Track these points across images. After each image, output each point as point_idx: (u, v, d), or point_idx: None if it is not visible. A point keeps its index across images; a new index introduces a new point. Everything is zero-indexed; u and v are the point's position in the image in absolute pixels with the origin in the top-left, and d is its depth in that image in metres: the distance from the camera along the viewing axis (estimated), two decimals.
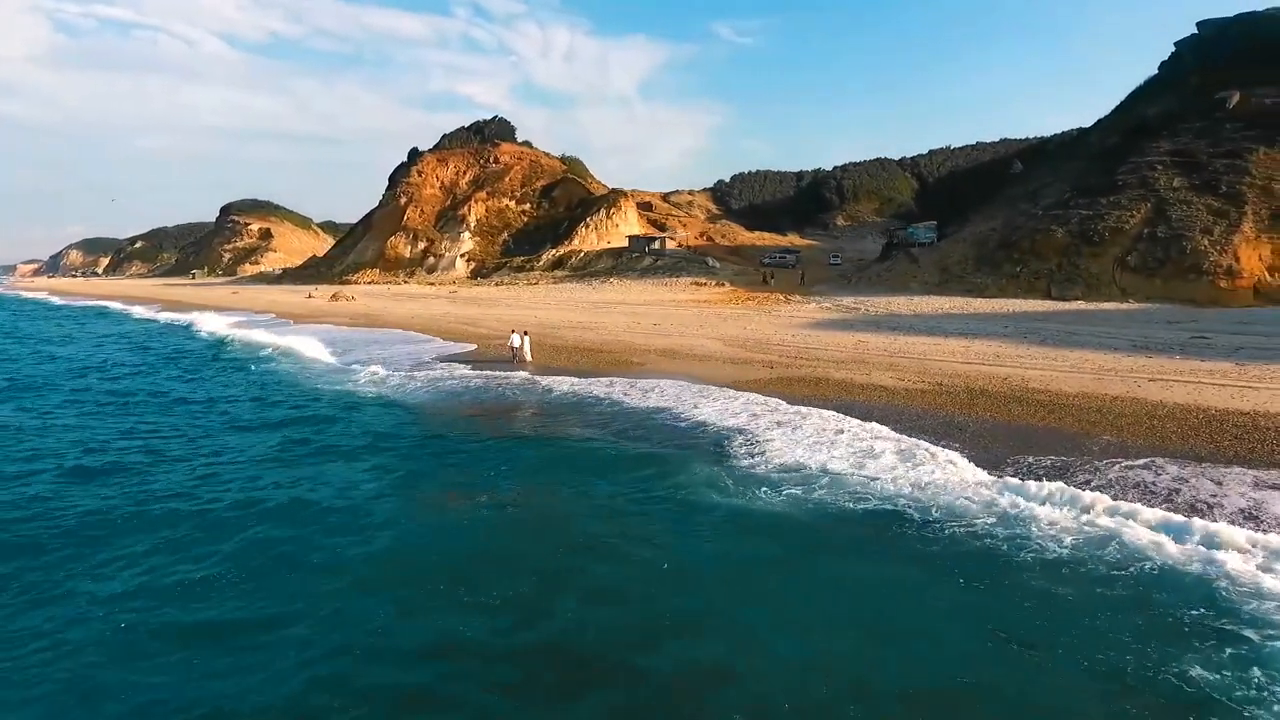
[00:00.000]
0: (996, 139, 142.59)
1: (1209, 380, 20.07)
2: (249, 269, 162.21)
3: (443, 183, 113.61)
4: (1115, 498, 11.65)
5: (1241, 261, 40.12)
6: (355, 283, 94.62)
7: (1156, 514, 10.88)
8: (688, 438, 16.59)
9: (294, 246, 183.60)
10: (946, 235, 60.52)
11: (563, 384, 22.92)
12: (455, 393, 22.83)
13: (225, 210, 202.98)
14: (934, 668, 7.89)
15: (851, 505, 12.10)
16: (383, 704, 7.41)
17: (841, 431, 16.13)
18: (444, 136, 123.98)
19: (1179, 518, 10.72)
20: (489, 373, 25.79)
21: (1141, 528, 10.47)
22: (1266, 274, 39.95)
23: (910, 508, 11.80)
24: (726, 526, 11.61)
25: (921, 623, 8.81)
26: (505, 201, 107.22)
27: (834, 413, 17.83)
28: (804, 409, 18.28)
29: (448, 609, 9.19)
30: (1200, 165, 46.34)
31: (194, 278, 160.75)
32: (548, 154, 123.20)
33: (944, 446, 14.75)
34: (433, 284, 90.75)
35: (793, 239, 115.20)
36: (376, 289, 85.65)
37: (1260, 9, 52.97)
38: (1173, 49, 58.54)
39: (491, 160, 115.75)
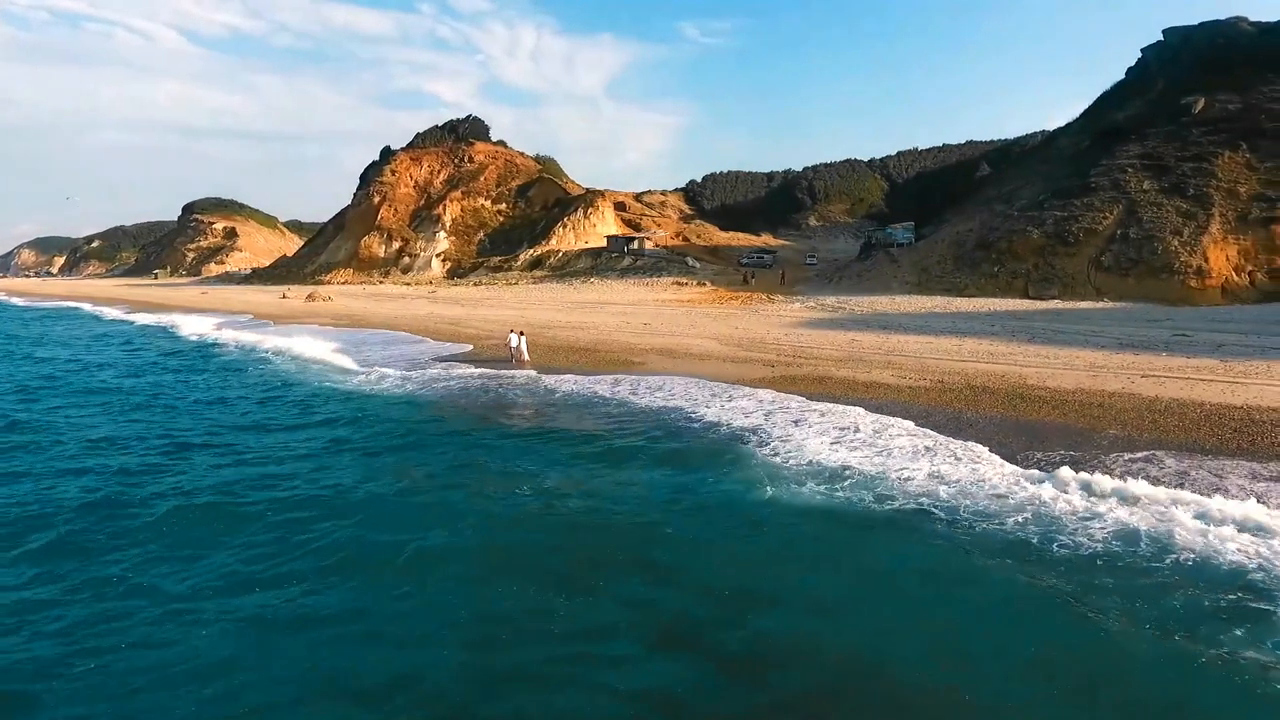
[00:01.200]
0: (962, 141, 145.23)
1: (1198, 376, 20.79)
2: (214, 269, 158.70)
3: (417, 182, 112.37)
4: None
5: (1210, 262, 41.55)
6: (329, 283, 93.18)
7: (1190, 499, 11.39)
8: (709, 434, 16.77)
9: (260, 246, 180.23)
10: (924, 236, 61.59)
11: (569, 383, 23.02)
12: (469, 391, 22.83)
13: (188, 209, 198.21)
14: (991, 646, 8.14)
15: (888, 498, 12.35)
16: (476, 685, 7.67)
17: (859, 429, 16.41)
18: (417, 135, 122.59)
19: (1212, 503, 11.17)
20: (491, 371, 25.90)
21: (1182, 514, 10.89)
22: (1233, 274, 41.44)
23: (946, 500, 12.07)
24: (770, 519, 11.83)
25: (975, 608, 9.08)
26: (481, 201, 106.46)
27: (848, 408, 18.19)
28: (819, 404, 18.62)
29: (521, 593, 9.54)
30: (1169, 168, 47.86)
31: (156, 278, 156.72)
32: (522, 153, 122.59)
33: (964, 440, 15.14)
34: (409, 284, 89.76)
35: (767, 239, 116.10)
36: (352, 289, 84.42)
37: (1222, 18, 54.87)
38: (1140, 55, 60.35)
39: (466, 159, 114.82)
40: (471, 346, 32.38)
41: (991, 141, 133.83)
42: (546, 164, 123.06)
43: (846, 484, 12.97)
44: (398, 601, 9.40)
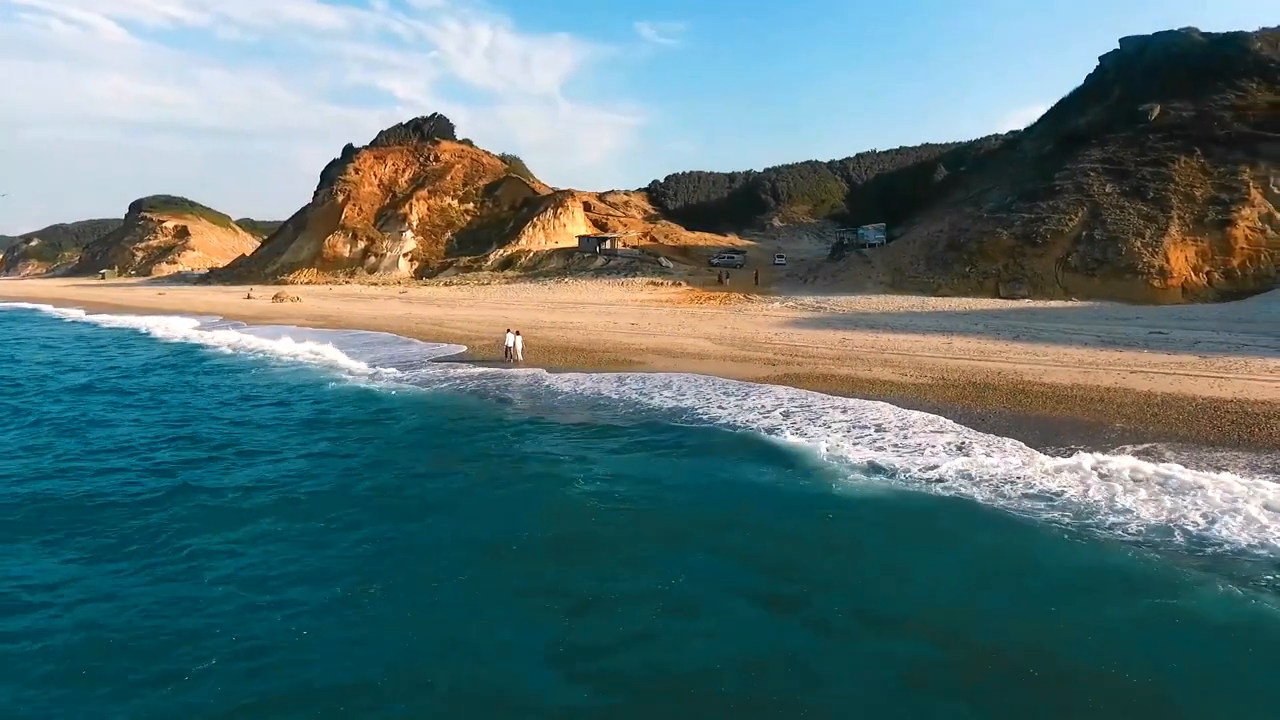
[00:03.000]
0: (919, 143, 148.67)
1: (1183, 371, 21.81)
2: (165, 269, 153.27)
3: (381, 180, 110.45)
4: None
5: (1171, 262, 43.47)
6: (292, 283, 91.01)
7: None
8: (739, 429, 17.06)
9: (213, 245, 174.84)
10: (894, 237, 63.00)
11: (575, 382, 23.14)
12: (484, 390, 22.83)
13: (135, 207, 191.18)
14: (1063, 629, 8.55)
15: (948, 485, 12.99)
16: (541, 666, 8.06)
17: (885, 423, 16.85)
18: (381, 133, 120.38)
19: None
20: (492, 370, 26.05)
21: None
22: (1192, 274, 43.43)
23: (988, 489, 12.63)
24: (840, 507, 12.30)
25: (1043, 585, 9.53)
26: (447, 200, 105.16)
27: (872, 403, 18.76)
28: (838, 400, 19.12)
29: (585, 576, 10.12)
30: (1129, 173, 49.87)
31: (104, 278, 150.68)
32: (488, 152, 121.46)
33: (991, 434, 15.72)
34: (376, 284, 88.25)
35: (733, 239, 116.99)
36: (318, 289, 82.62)
37: (1175, 29, 57.35)
38: (1098, 63, 62.69)
39: (431, 158, 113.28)
40: (465, 348, 32.07)
41: (947, 144, 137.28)
42: (512, 163, 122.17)
43: (902, 475, 13.52)
44: (517, 579, 10.04)
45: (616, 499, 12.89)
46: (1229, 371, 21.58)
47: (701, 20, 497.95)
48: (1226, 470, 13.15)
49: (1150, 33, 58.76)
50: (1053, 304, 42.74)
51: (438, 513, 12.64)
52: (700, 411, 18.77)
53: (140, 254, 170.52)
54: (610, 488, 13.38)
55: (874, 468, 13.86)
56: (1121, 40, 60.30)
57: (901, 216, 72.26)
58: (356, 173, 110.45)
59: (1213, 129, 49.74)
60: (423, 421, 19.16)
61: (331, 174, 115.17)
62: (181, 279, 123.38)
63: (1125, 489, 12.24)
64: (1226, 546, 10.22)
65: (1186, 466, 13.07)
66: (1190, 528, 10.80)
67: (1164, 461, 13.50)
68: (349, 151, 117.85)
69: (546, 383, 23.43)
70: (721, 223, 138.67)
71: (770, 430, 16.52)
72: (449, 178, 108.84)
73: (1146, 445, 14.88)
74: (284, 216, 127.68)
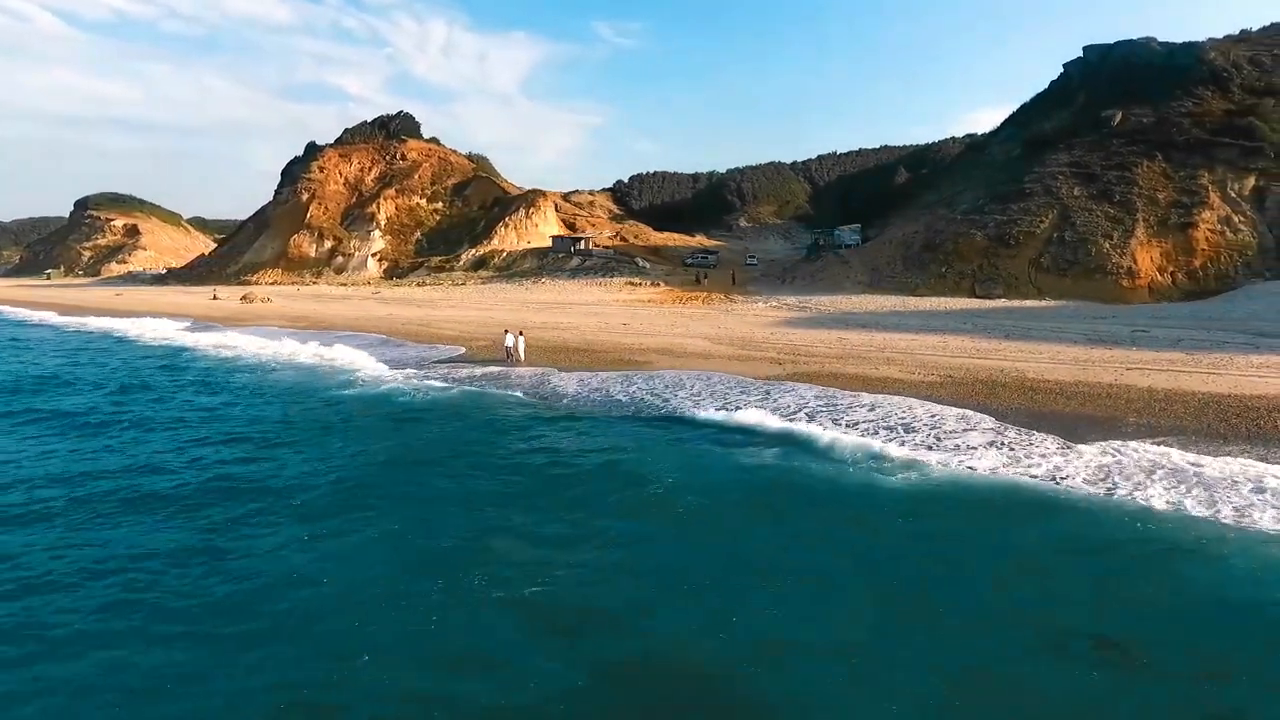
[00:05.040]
0: (877, 145, 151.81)
1: (1174, 368, 22.80)
2: (115, 269, 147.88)
3: (347, 179, 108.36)
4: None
5: (1138, 263, 45.27)
6: (256, 283, 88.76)
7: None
8: (775, 425, 17.29)
9: (165, 245, 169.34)
10: (868, 238, 64.25)
11: (593, 382, 23.20)
12: (500, 393, 22.64)
13: (81, 204, 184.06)
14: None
15: (999, 478, 13.51)
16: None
17: (912, 424, 17.23)
18: (345, 131, 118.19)
19: None
20: (496, 370, 26.18)
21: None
22: (1158, 274, 45.31)
23: (1045, 480, 13.27)
24: (898, 505, 12.56)
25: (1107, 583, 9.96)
26: (416, 200, 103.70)
27: (900, 399, 19.31)
28: (864, 397, 19.50)
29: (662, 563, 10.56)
30: (1095, 176, 51.78)
31: (49, 278, 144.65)
32: (455, 151, 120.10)
33: (1021, 428, 16.27)
34: (345, 284, 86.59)
35: (701, 239, 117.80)
36: (285, 290, 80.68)
37: (1135, 38, 59.68)
38: (1062, 70, 64.88)
39: (398, 157, 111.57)
40: (464, 349, 31.74)
41: (904, 146, 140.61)
42: (480, 162, 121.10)
43: (959, 467, 14.05)
44: (623, 571, 10.42)
45: (690, 498, 13.17)
46: (1217, 368, 22.61)
47: (658, 21, 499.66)
48: (1241, 459, 13.96)
49: (1112, 41, 61.02)
50: (1028, 303, 44.13)
51: (526, 511, 12.85)
52: (728, 409, 18.94)
53: (88, 253, 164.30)
54: (679, 487, 13.67)
55: (928, 463, 14.27)
56: (1085, 48, 62.59)
57: (864, 217, 73.80)
58: (321, 171, 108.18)
59: (1172, 135, 51.91)
60: (466, 422, 19.18)
61: (294, 172, 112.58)
62: (134, 279, 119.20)
63: (1170, 478, 12.83)
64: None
65: (1215, 456, 13.75)
66: (1231, 510, 11.55)
67: (1191, 452, 14.15)
68: (312, 149, 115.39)
69: (561, 383, 23.37)
70: (687, 223, 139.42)
71: (808, 428, 16.79)
72: (416, 177, 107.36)
73: (1163, 438, 15.54)
74: (235, 215, 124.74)
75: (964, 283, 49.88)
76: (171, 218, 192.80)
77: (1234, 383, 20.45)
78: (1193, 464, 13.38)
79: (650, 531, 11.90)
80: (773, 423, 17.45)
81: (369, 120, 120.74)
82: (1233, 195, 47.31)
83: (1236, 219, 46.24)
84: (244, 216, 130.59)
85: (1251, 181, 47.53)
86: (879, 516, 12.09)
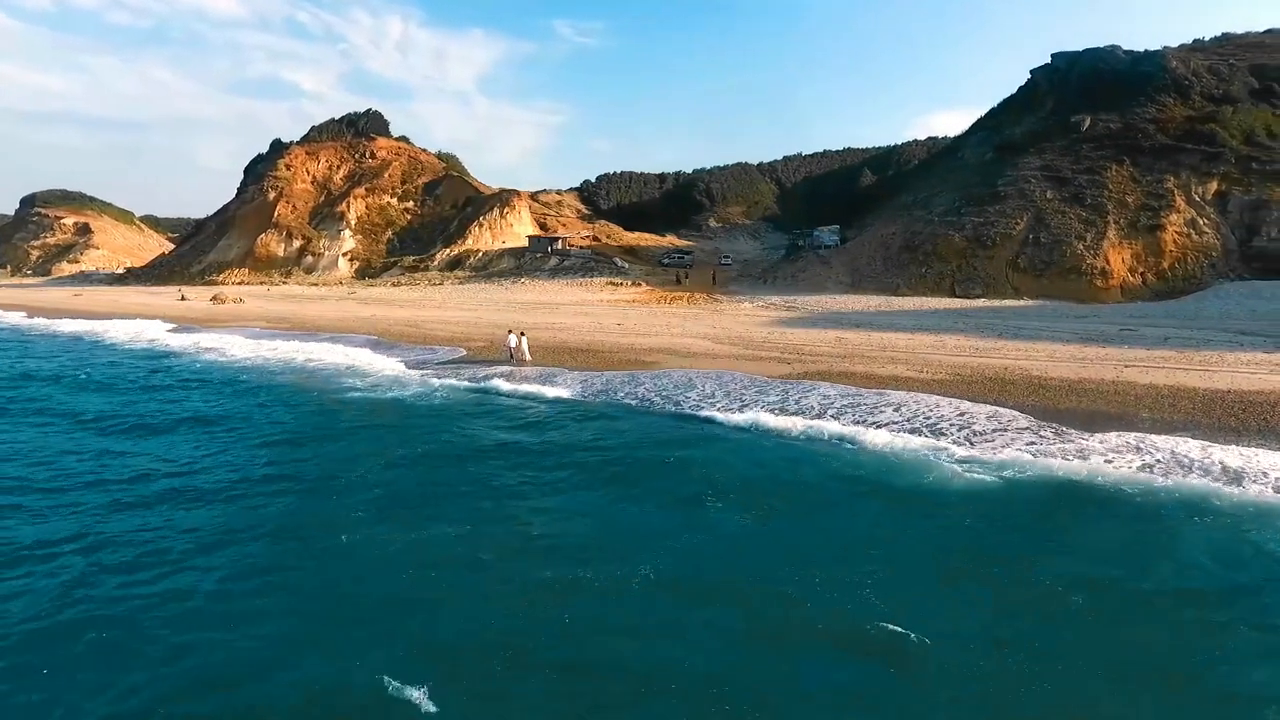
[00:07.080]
0: (841, 147, 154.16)
1: (1170, 365, 23.70)
2: (66, 268, 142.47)
3: (315, 178, 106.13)
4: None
5: (1111, 264, 46.85)
6: (223, 283, 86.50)
7: None
8: (806, 425, 17.54)
9: (119, 244, 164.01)
10: (846, 239, 65.24)
11: (605, 381, 23.27)
12: (521, 391, 22.60)
13: (28, 202, 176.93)
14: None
15: (1052, 474, 14.00)
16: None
17: (939, 425, 17.61)
18: (312, 128, 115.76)
19: None
20: (505, 369, 26.13)
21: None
22: (1129, 275, 46.95)
23: (1101, 475, 13.85)
24: (961, 502, 12.93)
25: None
26: (386, 199, 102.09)
27: (924, 396, 19.80)
28: (889, 395, 19.93)
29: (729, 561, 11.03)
30: (1067, 180, 53.40)
31: None
32: (425, 150, 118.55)
33: (1048, 422, 16.83)
34: (317, 284, 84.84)
35: (672, 239, 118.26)
36: (254, 290, 78.71)
37: (1100, 46, 61.69)
38: (1029, 76, 66.72)
39: (368, 155, 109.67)
40: (464, 350, 31.46)
41: (868, 149, 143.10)
42: (450, 162, 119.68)
43: (1004, 464, 14.43)
44: (682, 569, 10.45)
45: (769, 495, 13.50)
46: (1210, 365, 23.57)
47: (619, 20, 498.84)
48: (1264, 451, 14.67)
49: (1080, 49, 62.96)
50: (1008, 303, 45.35)
51: (621, 502, 13.44)
52: (750, 410, 19.13)
53: (36, 253, 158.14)
54: (751, 483, 14.03)
55: (987, 460, 14.67)
56: (1053, 55, 64.52)
57: (832, 218, 74.87)
58: (288, 169, 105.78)
59: (1138, 140, 53.79)
60: (498, 422, 19.35)
61: (259, 170, 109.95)
62: (87, 279, 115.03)
63: (1212, 469, 13.46)
64: None
65: (1243, 447, 14.43)
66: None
67: (1213, 445, 14.78)
68: (278, 146, 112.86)
69: (575, 382, 23.36)
70: (656, 223, 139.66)
71: (851, 428, 17.03)
72: (386, 175, 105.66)
73: (1179, 434, 16.17)
74: (188, 213, 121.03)
75: (944, 282, 51.03)
76: (124, 216, 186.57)
77: (1230, 379, 21.31)
78: (1235, 457, 14.01)
79: (748, 526, 12.33)
80: (805, 425, 17.68)
81: (336, 118, 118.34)
82: (1197, 199, 49.24)
83: (1201, 221, 48.15)
84: (196, 214, 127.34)
85: (1214, 185, 49.51)
86: (972, 516, 12.39)
